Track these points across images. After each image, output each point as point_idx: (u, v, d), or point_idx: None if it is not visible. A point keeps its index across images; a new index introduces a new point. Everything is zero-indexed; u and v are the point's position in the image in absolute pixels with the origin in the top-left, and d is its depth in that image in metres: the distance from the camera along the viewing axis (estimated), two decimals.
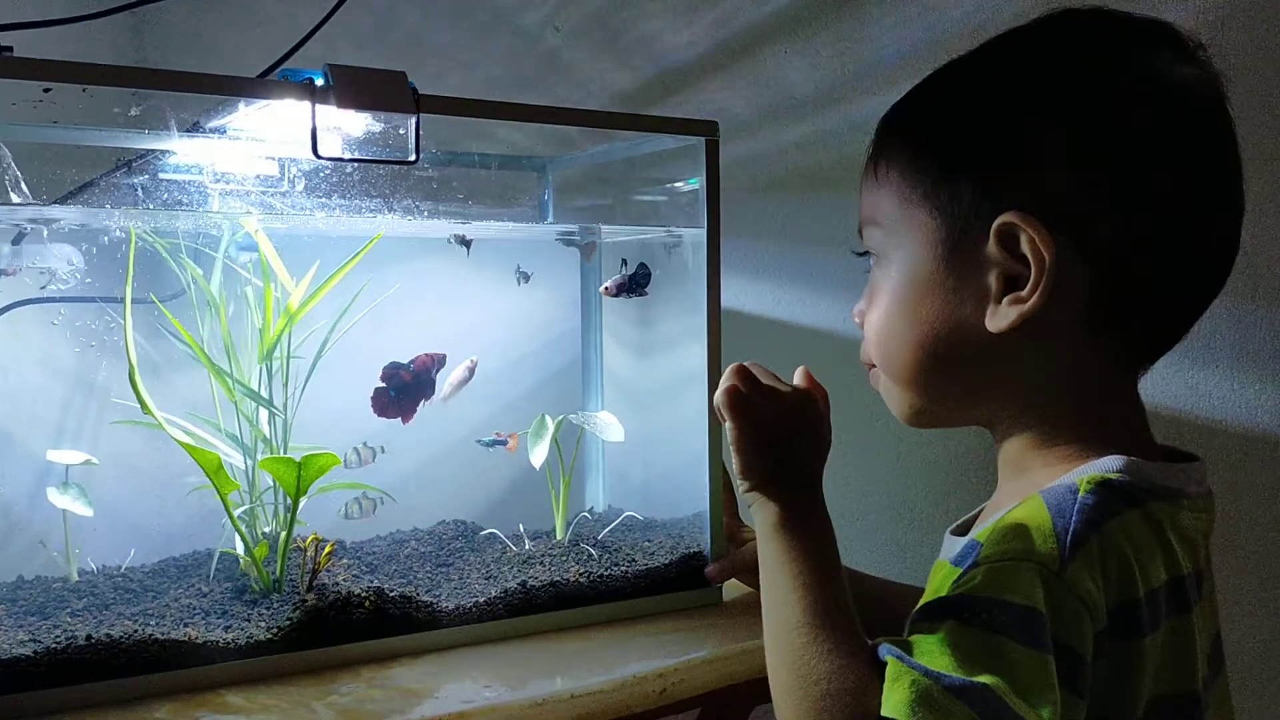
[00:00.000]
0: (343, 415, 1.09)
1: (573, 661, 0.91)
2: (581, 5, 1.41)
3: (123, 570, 1.01)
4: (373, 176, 0.98)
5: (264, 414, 1.02)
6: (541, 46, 1.40)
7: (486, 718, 0.79)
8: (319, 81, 0.86)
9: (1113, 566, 0.59)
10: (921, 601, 0.62)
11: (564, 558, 1.06)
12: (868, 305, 0.73)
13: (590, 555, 1.07)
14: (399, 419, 1.09)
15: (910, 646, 0.58)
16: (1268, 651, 1.14)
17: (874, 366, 0.74)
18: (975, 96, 0.68)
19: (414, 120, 0.89)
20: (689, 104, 1.41)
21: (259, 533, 1.01)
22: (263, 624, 0.88)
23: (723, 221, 1.05)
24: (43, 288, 0.98)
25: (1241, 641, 1.07)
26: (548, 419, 1.14)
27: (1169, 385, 1.18)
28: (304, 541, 0.94)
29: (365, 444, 1.12)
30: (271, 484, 1.00)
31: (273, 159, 0.98)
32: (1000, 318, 0.65)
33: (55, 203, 0.92)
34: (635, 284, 1.15)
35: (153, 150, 0.95)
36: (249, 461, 1.02)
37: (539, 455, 1.11)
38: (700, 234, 1.05)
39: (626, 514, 1.20)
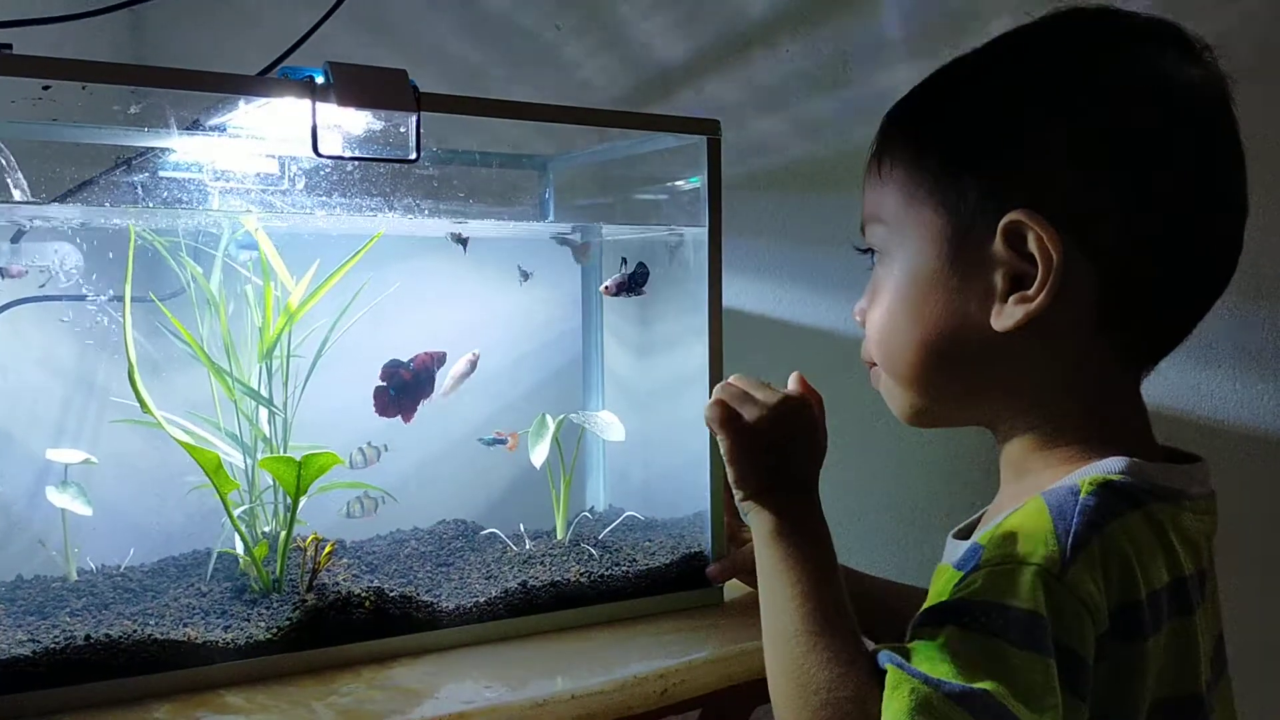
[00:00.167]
0: (343, 414, 1.09)
1: (573, 662, 0.91)
2: (582, 4, 1.40)
3: (122, 570, 1.01)
4: (373, 175, 0.98)
5: (264, 413, 1.02)
6: (542, 45, 1.40)
7: (487, 718, 0.79)
8: (319, 79, 0.86)
9: (1114, 568, 0.59)
10: (924, 606, 0.62)
11: (564, 558, 1.06)
12: (869, 303, 0.73)
13: (591, 555, 1.07)
14: (399, 418, 1.08)
15: (910, 653, 0.58)
16: (1268, 651, 1.14)
17: (875, 365, 0.74)
18: (981, 94, 0.68)
19: (414, 118, 0.89)
20: (690, 103, 1.40)
21: (259, 532, 1.01)
22: (262, 624, 0.88)
23: (724, 220, 1.04)
24: (41, 286, 0.98)
25: (1242, 641, 1.07)
26: (548, 418, 1.13)
27: (1172, 385, 1.18)
28: (304, 541, 0.94)
29: (370, 444, 1.12)
30: (271, 483, 1.00)
31: (273, 157, 0.97)
32: (1006, 317, 0.65)
33: (54, 201, 0.92)
34: (633, 283, 1.15)
35: (152, 148, 0.95)
36: (249, 461, 1.01)
37: (540, 455, 1.11)
38: (701, 232, 1.04)
39: (627, 514, 1.19)
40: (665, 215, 1.17)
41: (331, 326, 1.03)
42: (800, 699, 0.62)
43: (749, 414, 0.73)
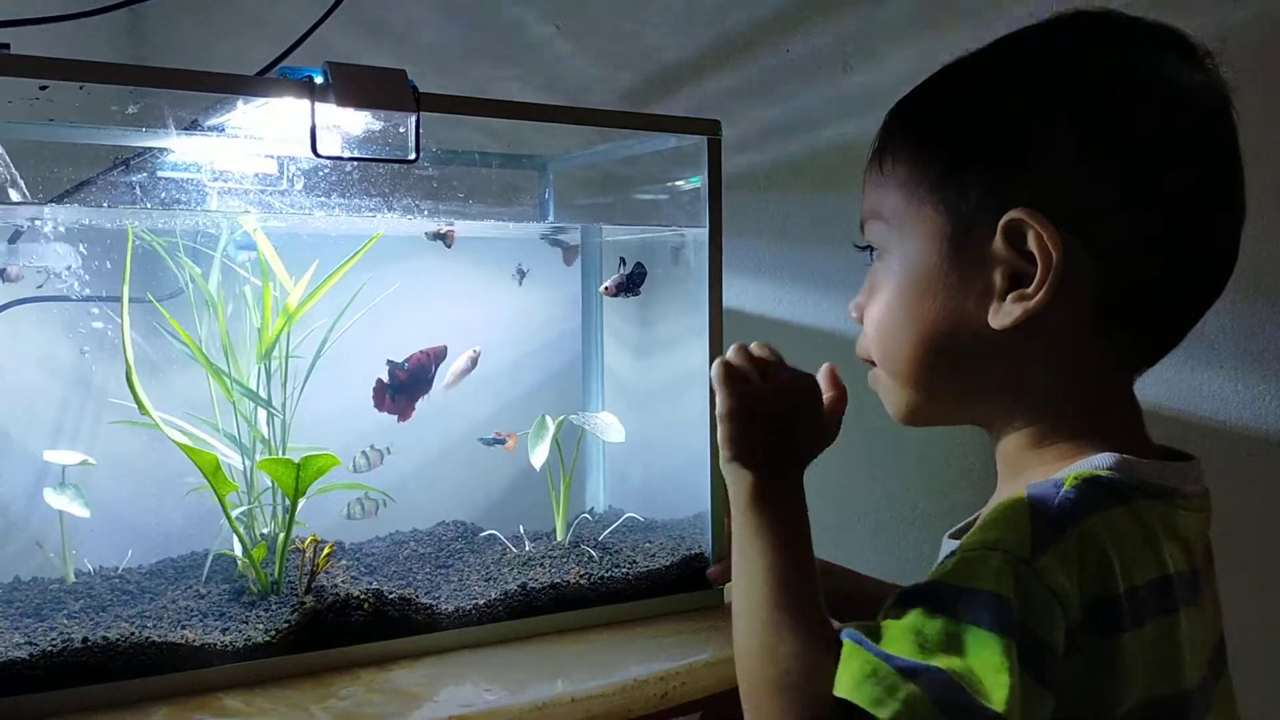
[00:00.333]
0: (341, 415, 1.09)
1: (573, 664, 0.91)
2: (582, 3, 1.40)
3: (120, 571, 1.01)
4: (372, 175, 0.97)
5: (262, 414, 1.01)
6: (541, 44, 1.40)
7: None
8: (318, 79, 0.85)
9: (1091, 562, 0.59)
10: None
11: (564, 559, 1.06)
12: (866, 300, 0.73)
13: (591, 557, 1.07)
14: (397, 417, 1.08)
15: (876, 631, 0.59)
16: (1268, 651, 1.14)
17: (870, 362, 0.74)
18: (985, 93, 0.68)
19: (414, 118, 0.89)
20: (690, 102, 1.40)
21: (257, 534, 1.01)
22: (260, 626, 0.88)
23: (724, 220, 1.04)
24: (39, 286, 0.98)
25: (1243, 641, 1.07)
26: (548, 419, 1.13)
27: (1172, 386, 1.18)
28: (302, 543, 0.94)
29: (373, 447, 1.12)
30: (270, 485, 0.99)
31: (271, 157, 0.97)
32: (1004, 314, 0.65)
33: (52, 201, 0.92)
34: (631, 283, 1.15)
35: (150, 148, 0.95)
36: (247, 462, 1.01)
37: (539, 456, 1.10)
38: (701, 233, 1.04)
39: (627, 515, 1.19)
40: (665, 215, 1.17)
41: (330, 328, 1.03)
42: (759, 669, 0.63)
43: (758, 380, 0.72)
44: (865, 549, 1.37)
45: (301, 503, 0.94)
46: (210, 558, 0.99)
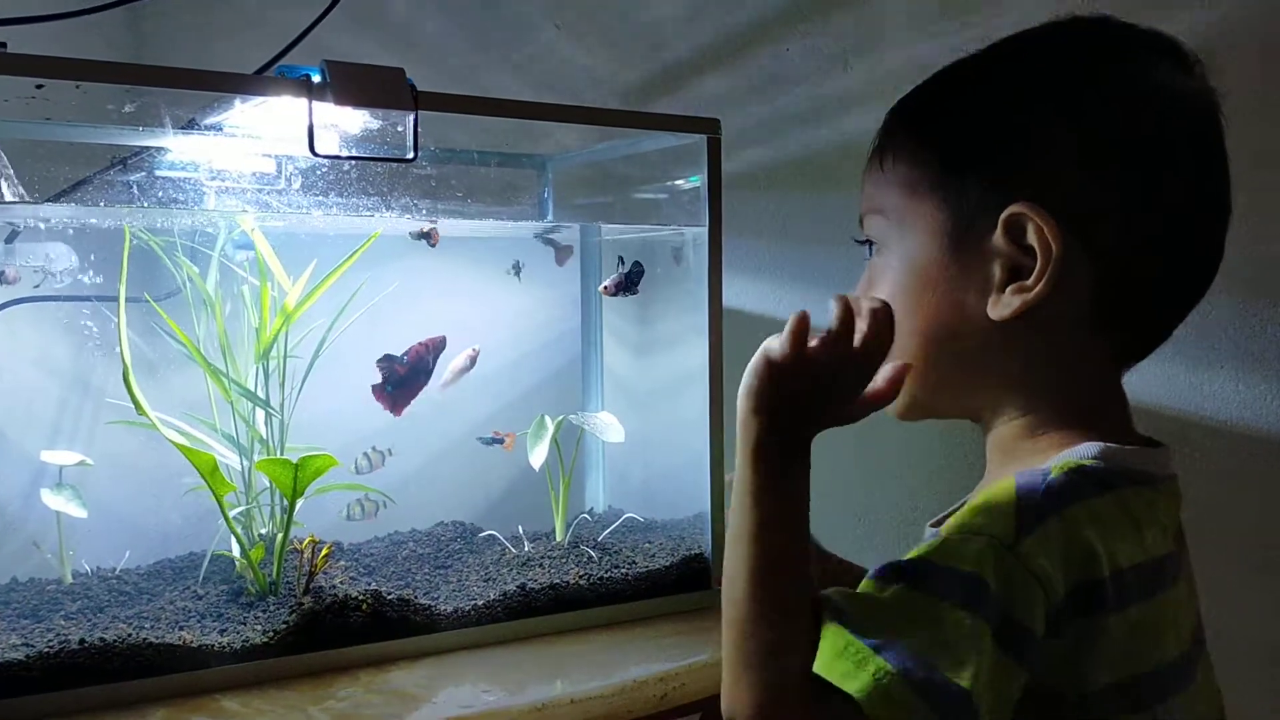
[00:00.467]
0: (340, 415, 1.08)
1: (572, 665, 0.91)
2: (582, 3, 1.40)
3: (117, 572, 1.01)
4: (370, 174, 0.97)
5: (260, 414, 1.01)
6: (542, 43, 1.40)
7: None
8: (316, 78, 0.85)
9: (1075, 548, 0.60)
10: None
11: (563, 560, 1.05)
12: (865, 293, 0.73)
13: (590, 557, 1.06)
14: (395, 416, 1.08)
15: (856, 601, 0.59)
16: (1269, 651, 1.14)
17: None
18: (986, 93, 0.69)
19: (412, 117, 0.89)
20: (690, 102, 1.40)
21: (255, 535, 1.00)
22: (259, 627, 0.87)
23: (724, 220, 1.04)
24: (36, 286, 0.97)
25: (1242, 641, 1.07)
26: (547, 419, 1.13)
27: (1173, 385, 1.18)
28: (301, 543, 0.94)
29: (375, 448, 1.12)
30: (268, 485, 0.99)
31: (269, 156, 0.97)
32: (1003, 306, 0.66)
33: (48, 201, 0.92)
34: (629, 282, 1.15)
35: (147, 147, 0.94)
36: (245, 462, 1.01)
37: (538, 456, 1.10)
38: (701, 232, 1.04)
39: (626, 515, 1.19)
40: (665, 214, 1.17)
41: (329, 327, 1.02)
42: (739, 640, 0.62)
43: (819, 343, 0.67)
44: (865, 549, 1.36)
45: (300, 503, 0.94)
46: (208, 558, 0.99)
